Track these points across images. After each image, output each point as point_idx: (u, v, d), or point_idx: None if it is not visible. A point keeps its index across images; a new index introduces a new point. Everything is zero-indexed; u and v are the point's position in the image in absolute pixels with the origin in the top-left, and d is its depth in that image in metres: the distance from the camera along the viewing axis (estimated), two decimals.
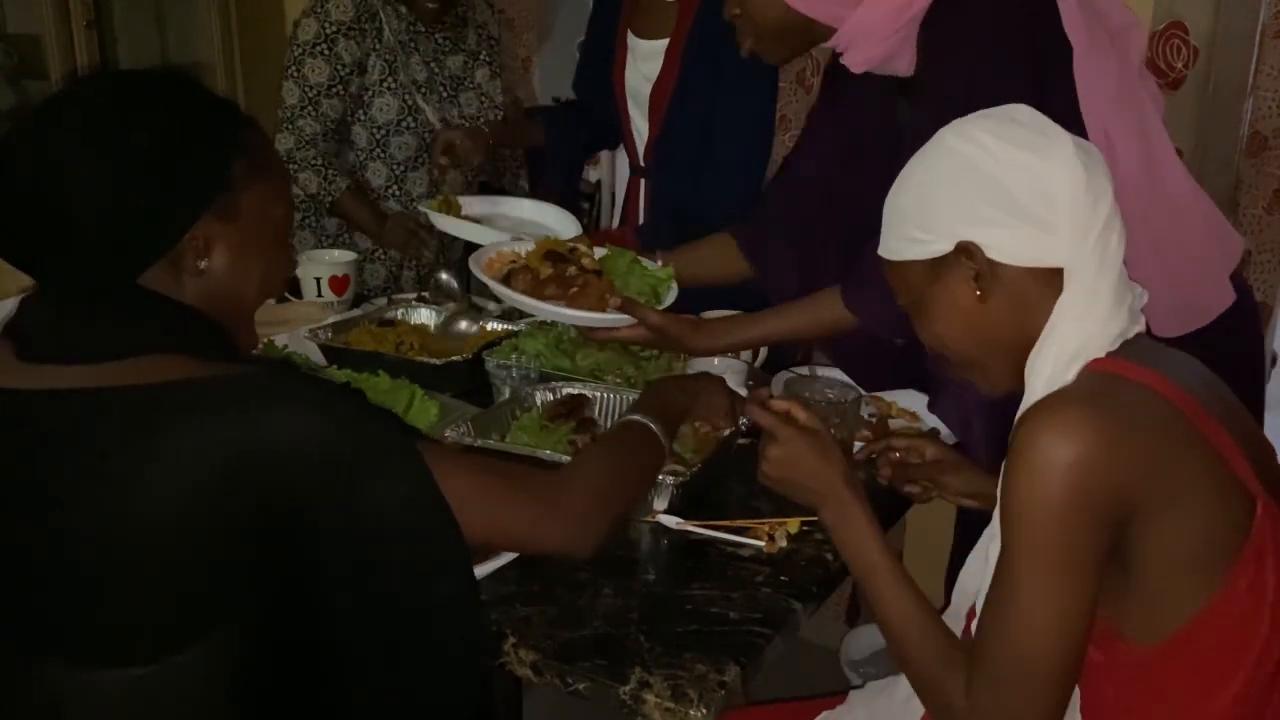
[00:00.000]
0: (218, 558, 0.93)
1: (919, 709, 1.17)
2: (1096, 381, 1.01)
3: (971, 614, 1.15)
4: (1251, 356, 1.64)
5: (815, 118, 1.85)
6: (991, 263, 1.05)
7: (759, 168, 2.21)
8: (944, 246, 1.07)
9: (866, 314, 1.53)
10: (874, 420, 1.67)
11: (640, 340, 1.63)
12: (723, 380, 1.53)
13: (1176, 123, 2.17)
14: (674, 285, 1.70)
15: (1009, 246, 1.05)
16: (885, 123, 1.65)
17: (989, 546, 1.12)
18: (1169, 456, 0.98)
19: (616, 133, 2.36)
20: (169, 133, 0.99)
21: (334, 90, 2.33)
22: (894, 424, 1.69)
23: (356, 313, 2.09)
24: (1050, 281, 1.04)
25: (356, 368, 1.77)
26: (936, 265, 1.09)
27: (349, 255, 2.28)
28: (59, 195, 0.96)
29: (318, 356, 1.87)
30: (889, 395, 1.78)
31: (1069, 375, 1.03)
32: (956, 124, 1.11)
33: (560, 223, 2.08)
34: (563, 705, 1.44)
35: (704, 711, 1.05)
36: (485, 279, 1.66)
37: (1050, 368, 1.03)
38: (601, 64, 2.31)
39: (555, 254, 1.68)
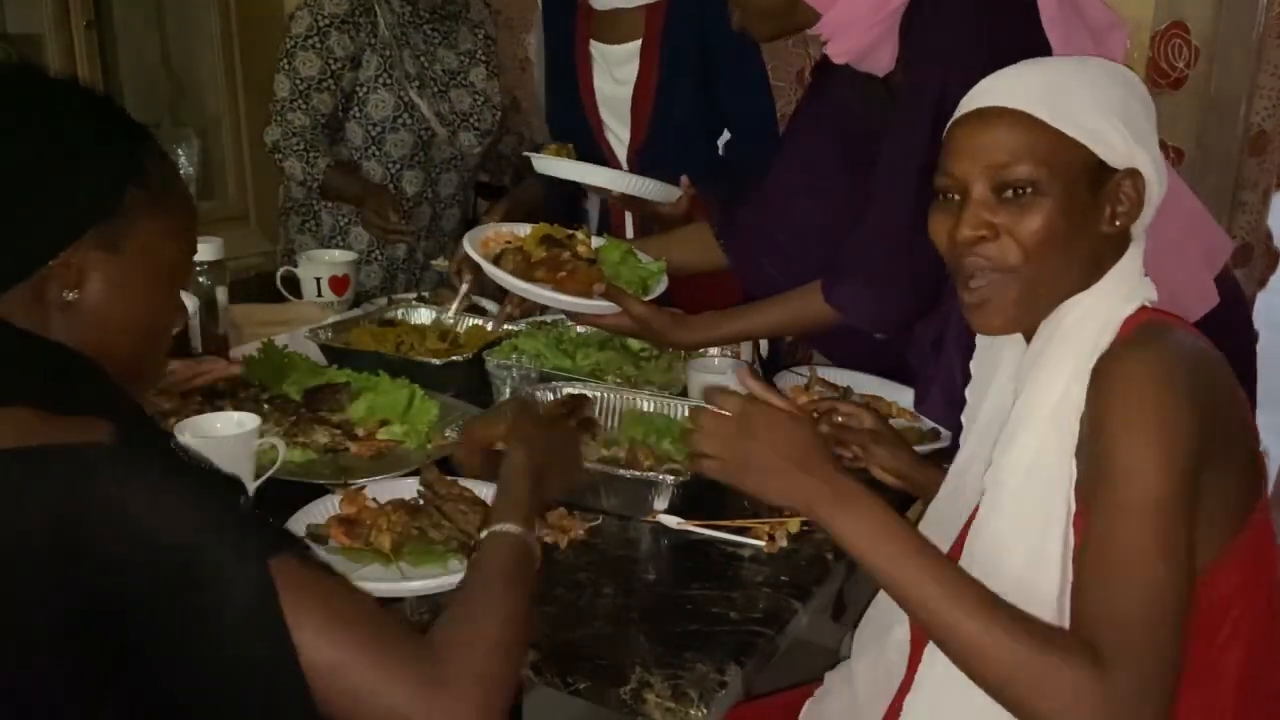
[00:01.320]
0: (35, 662, 0.80)
1: (897, 679, 1.16)
2: (1168, 333, 1.01)
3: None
4: (1242, 360, 1.64)
5: (800, 112, 1.85)
6: (1140, 201, 1.04)
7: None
8: (1118, 159, 1.04)
9: (847, 309, 1.53)
10: None
11: (623, 330, 1.65)
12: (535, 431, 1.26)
13: (1178, 122, 2.17)
14: (664, 279, 1.71)
15: (1155, 194, 1.05)
16: (869, 123, 1.66)
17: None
18: (1225, 407, 0.99)
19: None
20: (51, 146, 0.91)
21: (324, 84, 2.33)
22: (895, 424, 1.69)
23: (356, 313, 2.09)
24: (1119, 243, 1.06)
25: (356, 368, 1.77)
26: (1099, 170, 1.03)
27: (349, 255, 2.28)
28: None
29: (318, 356, 1.87)
30: (889, 395, 1.78)
31: (1127, 309, 1.03)
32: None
33: (661, 193, 2.00)
34: (563, 705, 1.44)
35: (704, 711, 1.04)
36: (475, 256, 1.67)
37: (1106, 309, 1.04)
38: (566, 81, 2.28)
39: (551, 239, 1.68)
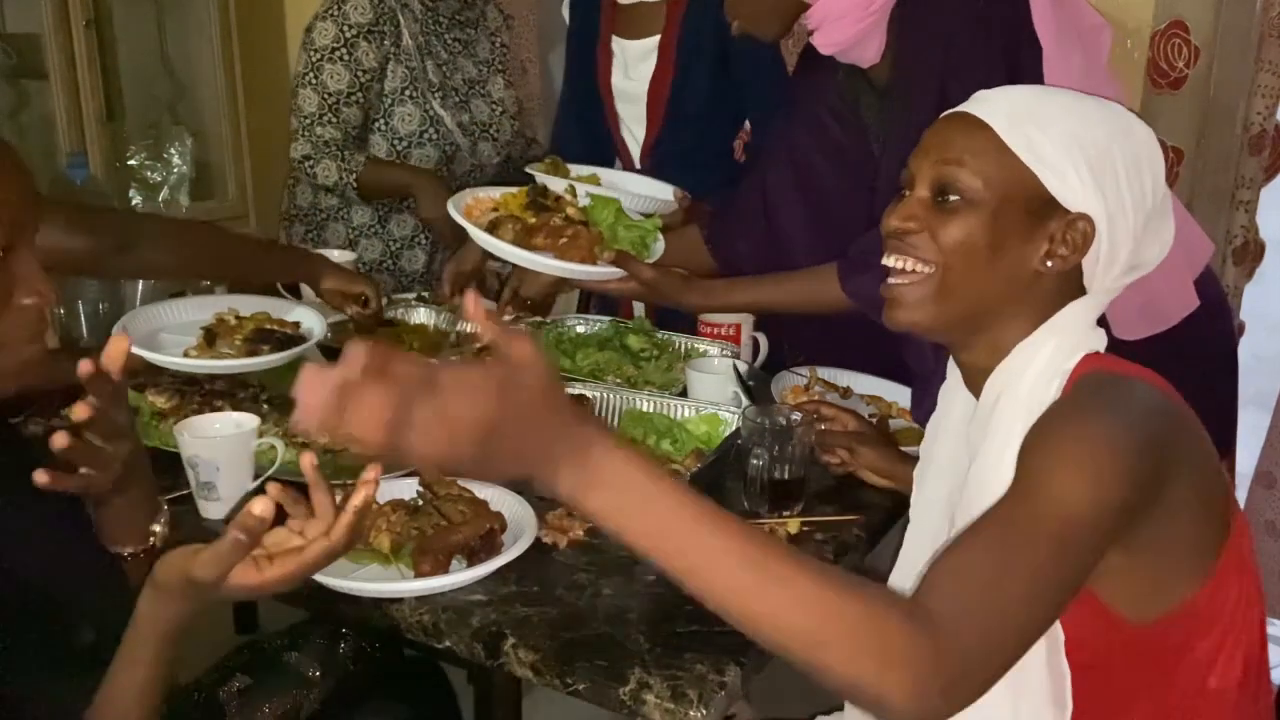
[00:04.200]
0: None
1: None
2: (1118, 384, 0.98)
3: None
4: (1223, 358, 1.64)
5: (787, 107, 1.85)
6: (1084, 249, 1.00)
7: None
8: (1072, 199, 1.00)
9: (862, 298, 1.53)
10: (874, 419, 1.67)
11: (631, 294, 1.63)
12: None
13: (1177, 122, 2.17)
14: (660, 237, 1.68)
15: (1114, 257, 1.01)
16: (850, 117, 1.66)
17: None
18: (1184, 450, 0.96)
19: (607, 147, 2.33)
20: None
21: (353, 97, 2.25)
22: (895, 424, 1.69)
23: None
24: (1067, 291, 1.03)
25: None
26: (1042, 202, 1.00)
27: (348, 255, 2.26)
28: None
29: (317, 356, 1.86)
30: (889, 395, 1.78)
31: (1068, 365, 1.01)
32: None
33: (662, 191, 1.96)
34: (562, 705, 1.44)
35: (704, 712, 1.04)
36: (468, 226, 1.60)
37: (1046, 358, 1.01)
38: (585, 78, 2.28)
39: (539, 202, 1.65)
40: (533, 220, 1.59)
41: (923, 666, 0.77)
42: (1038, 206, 1.00)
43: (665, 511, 0.75)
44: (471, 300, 0.74)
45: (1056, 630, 0.98)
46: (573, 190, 1.71)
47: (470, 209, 1.69)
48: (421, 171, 2.30)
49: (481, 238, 1.59)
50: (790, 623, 0.77)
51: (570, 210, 1.64)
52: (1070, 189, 1.00)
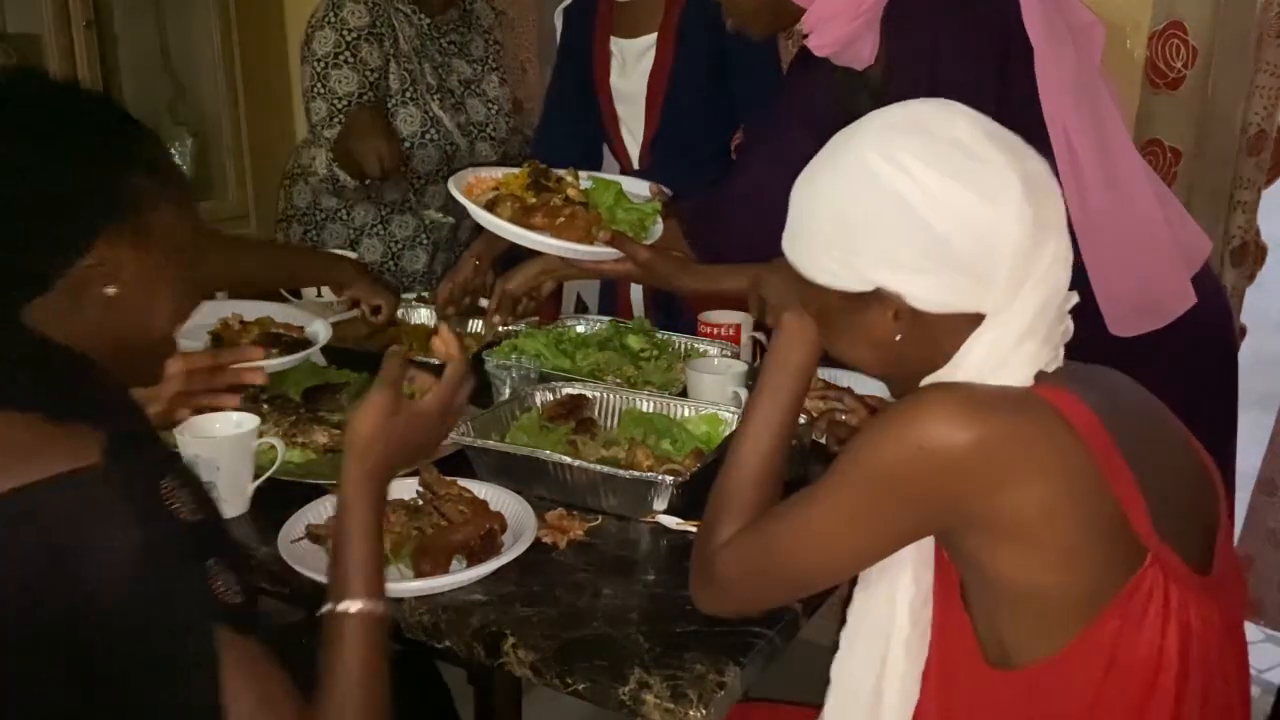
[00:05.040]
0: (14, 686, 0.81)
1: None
2: (1013, 393, 0.96)
3: None
4: (1221, 355, 1.64)
5: (777, 109, 1.85)
6: (912, 309, 0.98)
7: None
8: (861, 287, 0.99)
9: None
10: None
11: (627, 275, 1.61)
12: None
13: (1176, 123, 2.17)
14: (660, 220, 1.67)
15: (935, 295, 0.96)
16: (847, 119, 1.67)
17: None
18: (1054, 493, 0.92)
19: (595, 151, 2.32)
20: (49, 150, 0.90)
21: (365, 98, 2.23)
22: None
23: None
24: (976, 318, 0.98)
25: (356, 368, 1.78)
26: (852, 297, 1.00)
27: (348, 255, 2.27)
28: None
29: (317, 356, 1.87)
30: (889, 396, 1.78)
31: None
32: (882, 140, 0.97)
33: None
34: (562, 705, 1.44)
35: (704, 711, 1.05)
36: (467, 204, 1.60)
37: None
38: (582, 80, 2.28)
39: (540, 183, 1.65)
40: (532, 200, 1.59)
41: (708, 569, 1.12)
42: (846, 304, 1.02)
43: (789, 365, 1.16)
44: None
45: (921, 646, 1.07)
46: (574, 171, 1.70)
47: (471, 188, 1.68)
48: (363, 107, 2.24)
49: (479, 214, 1.59)
50: (720, 489, 1.15)
51: (571, 191, 1.64)
52: (842, 280, 1.00)
